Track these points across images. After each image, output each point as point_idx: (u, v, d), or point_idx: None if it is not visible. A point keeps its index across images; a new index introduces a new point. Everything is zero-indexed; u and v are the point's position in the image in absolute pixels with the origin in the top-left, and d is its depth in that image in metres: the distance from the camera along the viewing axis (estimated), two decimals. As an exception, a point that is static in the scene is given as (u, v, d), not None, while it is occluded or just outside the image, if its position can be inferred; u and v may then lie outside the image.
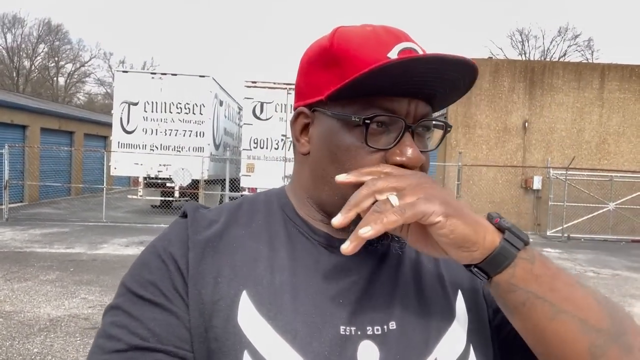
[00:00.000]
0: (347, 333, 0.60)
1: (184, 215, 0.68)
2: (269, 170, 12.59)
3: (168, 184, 13.16)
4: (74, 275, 6.54)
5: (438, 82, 0.60)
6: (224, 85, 15.18)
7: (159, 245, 0.65)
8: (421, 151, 0.62)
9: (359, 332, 0.60)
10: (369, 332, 0.61)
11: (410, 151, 0.60)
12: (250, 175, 12.74)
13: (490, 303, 0.70)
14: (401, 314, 0.63)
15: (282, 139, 12.80)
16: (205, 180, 13.08)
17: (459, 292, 0.68)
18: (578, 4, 56.98)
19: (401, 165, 0.60)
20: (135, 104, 13.04)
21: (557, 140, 13.48)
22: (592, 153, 13.46)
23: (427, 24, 64.90)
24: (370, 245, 0.61)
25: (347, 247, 0.53)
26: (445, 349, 0.62)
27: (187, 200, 13.90)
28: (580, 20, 68.63)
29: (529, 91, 13.51)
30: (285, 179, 12.73)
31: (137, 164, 13.00)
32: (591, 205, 12.57)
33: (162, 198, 13.67)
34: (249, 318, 0.59)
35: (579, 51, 34.98)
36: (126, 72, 13.93)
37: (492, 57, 21.19)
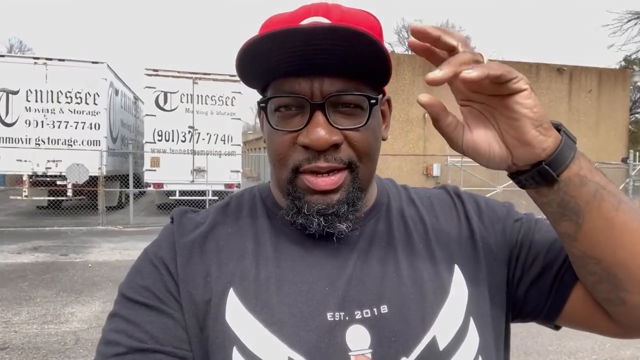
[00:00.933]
0: (336, 319, 0.60)
1: (173, 221, 0.70)
2: (176, 164, 11.96)
3: (58, 182, 11.76)
4: (-39, 290, 5.62)
5: (318, 53, 0.56)
6: (119, 73, 13.98)
7: (150, 251, 0.67)
8: (344, 128, 0.60)
9: (347, 318, 0.60)
10: (358, 317, 0.60)
11: (314, 132, 0.58)
12: (155, 170, 11.98)
13: (514, 251, 0.69)
14: (393, 295, 0.62)
15: (189, 131, 12.21)
16: (104, 177, 11.99)
17: (455, 267, 0.67)
18: (459, 3, 61.96)
19: (307, 148, 0.60)
20: (16, 93, 11.43)
21: (452, 130, 14.63)
22: (481, 141, 14.83)
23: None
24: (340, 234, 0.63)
25: (436, 74, 0.49)
26: (442, 325, 0.62)
27: (80, 200, 12.69)
28: (461, 18, 74.89)
29: (427, 85, 14.44)
30: (195, 173, 12.18)
31: (21, 160, 11.45)
32: (483, 188, 13.82)
33: (52, 198, 12.27)
34: (236, 314, 0.60)
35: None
36: (3, 56, 12.12)
37: (394, 51, 22.21)
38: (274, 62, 0.57)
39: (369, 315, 0.61)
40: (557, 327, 0.71)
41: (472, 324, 0.64)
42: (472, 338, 0.63)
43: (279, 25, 0.60)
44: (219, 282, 0.62)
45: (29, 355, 3.85)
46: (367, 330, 0.60)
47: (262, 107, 0.62)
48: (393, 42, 37.88)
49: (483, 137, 0.55)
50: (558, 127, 0.55)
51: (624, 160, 15.13)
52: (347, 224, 0.62)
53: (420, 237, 0.69)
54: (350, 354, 0.58)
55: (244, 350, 0.57)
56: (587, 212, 0.55)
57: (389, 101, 0.73)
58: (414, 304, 0.62)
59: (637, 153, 15.38)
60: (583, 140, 15.41)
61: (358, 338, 0.59)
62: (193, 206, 0.85)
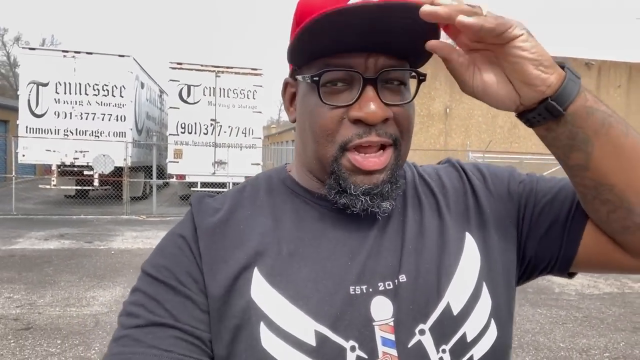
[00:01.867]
0: (358, 292, 0.61)
1: (192, 206, 0.71)
2: (198, 156, 12.17)
3: (85, 172, 12.16)
4: (-9, 273, 5.90)
5: (386, 31, 0.58)
6: (145, 67, 14.29)
7: (175, 232, 0.69)
8: (392, 104, 0.62)
9: (371, 289, 0.62)
10: (381, 288, 0.62)
11: (369, 105, 0.59)
12: (177, 162, 12.23)
13: (524, 211, 0.71)
14: (409, 266, 0.64)
15: (211, 124, 12.40)
16: (129, 167, 12.31)
17: (466, 234, 0.69)
18: None
19: (359, 121, 0.61)
20: (45, 85, 11.85)
21: (474, 126, 14.41)
22: (505, 137, 14.58)
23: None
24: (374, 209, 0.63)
25: (432, 8, 0.52)
26: (455, 291, 0.64)
27: (106, 189, 13.06)
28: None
29: (449, 78, 14.19)
30: (216, 165, 12.38)
31: (50, 150, 11.88)
32: (505, 185, 13.67)
33: (79, 187, 12.66)
34: (262, 291, 0.61)
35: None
36: (33, 49, 12.54)
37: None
38: (335, 37, 0.58)
39: (391, 286, 0.62)
40: (570, 275, 0.73)
41: (484, 289, 0.65)
42: (485, 302, 0.65)
43: (327, 6, 0.58)
44: (242, 262, 0.63)
45: (50, 335, 4.04)
46: (389, 301, 0.61)
47: (315, 82, 0.61)
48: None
49: (492, 79, 0.58)
50: (562, 65, 0.58)
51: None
52: (389, 201, 0.64)
53: (432, 210, 0.71)
54: (374, 324, 0.60)
55: (271, 324, 0.59)
56: (596, 139, 0.58)
57: None
58: (429, 274, 0.64)
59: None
60: (611, 137, 15.04)
61: (381, 309, 0.61)
62: None
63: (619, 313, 5.18)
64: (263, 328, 0.59)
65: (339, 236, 0.66)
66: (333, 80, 0.61)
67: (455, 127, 14.33)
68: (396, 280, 0.63)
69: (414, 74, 0.65)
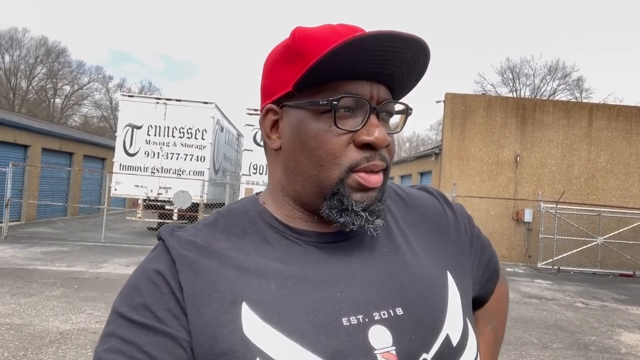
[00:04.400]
0: (355, 322, 0.61)
1: (160, 239, 0.69)
2: (267, 195, 12.82)
3: (167, 207, 13.37)
4: (78, 292, 6.66)
5: (395, 61, 0.62)
6: (226, 112, 15.56)
7: (147, 268, 0.65)
8: (389, 132, 0.66)
9: (367, 319, 0.62)
10: (377, 317, 0.62)
11: (377, 131, 0.63)
12: (248, 200, 12.95)
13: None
14: (405, 298, 0.65)
15: (281, 166, 13.08)
16: (205, 204, 13.28)
17: (447, 273, 0.72)
18: (569, 43, 58.68)
19: (366, 146, 0.63)
20: (139, 128, 13.39)
21: (547, 175, 13.89)
22: (581, 188, 13.87)
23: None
24: (365, 224, 0.65)
25: None
26: (451, 324, 0.66)
27: (184, 224, 14.03)
28: (571, 58, 70.65)
29: (520, 127, 14.01)
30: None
31: (138, 185, 13.26)
32: (580, 239, 12.87)
33: (160, 220, 13.82)
34: (255, 327, 0.59)
35: (568, 89, 36.07)
36: (131, 96, 14.28)
37: (485, 94, 21.84)
38: (357, 61, 0.60)
39: (387, 316, 0.63)
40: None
41: (468, 324, 0.69)
42: (472, 335, 0.69)
43: (329, 34, 0.64)
44: (229, 297, 0.61)
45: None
46: (387, 330, 0.62)
47: (333, 106, 0.62)
48: (496, 84, 36.83)
49: None
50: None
51: None
52: (380, 219, 0.66)
53: (415, 243, 0.73)
54: (375, 352, 0.60)
55: None
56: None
57: None
58: (425, 306, 0.66)
59: None
60: None
61: (380, 337, 0.61)
62: None
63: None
64: None
65: (323, 268, 0.65)
66: (345, 106, 0.63)
67: (526, 176, 13.91)
68: (391, 311, 0.63)
69: (403, 107, 0.69)
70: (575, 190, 13.79)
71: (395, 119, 0.71)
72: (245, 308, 0.60)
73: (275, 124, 0.69)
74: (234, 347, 0.58)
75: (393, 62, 0.62)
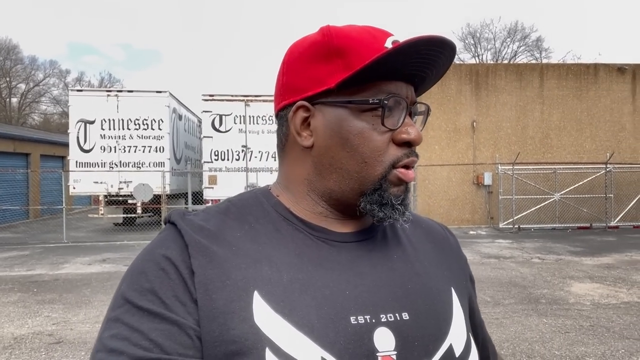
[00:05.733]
0: (362, 321, 0.62)
1: (171, 222, 0.67)
2: (231, 181, 12.78)
3: (130, 201, 13.14)
4: (37, 295, 6.56)
5: (429, 65, 0.65)
6: (187, 101, 15.28)
7: (156, 252, 0.63)
8: None
9: (374, 320, 0.62)
10: (383, 320, 0.63)
11: (414, 130, 0.67)
12: (213, 188, 12.89)
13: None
14: (411, 304, 0.66)
15: (242, 150, 13.02)
16: (167, 195, 13.12)
17: (452, 289, 0.74)
18: (527, 2, 59.34)
19: (407, 143, 0.67)
20: (92, 122, 13.01)
21: (503, 138, 14.23)
22: (536, 148, 14.28)
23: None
24: (381, 221, 0.68)
25: None
26: (455, 335, 0.68)
27: (150, 216, 13.92)
28: (529, 19, 71.49)
29: (475, 92, 14.24)
30: (248, 189, 12.89)
31: (97, 182, 12.96)
32: (538, 196, 13.34)
33: (124, 215, 13.61)
34: (265, 317, 0.59)
35: (529, 51, 36.42)
36: (81, 91, 13.83)
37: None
38: (402, 64, 0.63)
39: (392, 319, 0.63)
40: None
41: (471, 339, 0.71)
42: (474, 352, 0.70)
43: (366, 35, 0.66)
44: (241, 285, 0.60)
45: (77, 348, 4.53)
46: (391, 333, 0.62)
47: (384, 105, 0.64)
48: (459, 50, 36.94)
49: None
50: None
51: None
52: (408, 212, 0.69)
53: (424, 256, 0.75)
54: (378, 354, 0.60)
55: (277, 351, 0.57)
56: None
57: None
58: (430, 314, 0.67)
59: None
60: (653, 141, 14.37)
61: (384, 340, 0.61)
62: None
63: (629, 322, 5.09)
64: (269, 354, 0.57)
65: (334, 266, 0.66)
66: (386, 105, 0.65)
67: (484, 140, 14.22)
68: (397, 315, 0.64)
69: (424, 108, 0.73)
70: (531, 151, 14.19)
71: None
72: (257, 297, 0.60)
73: (305, 121, 0.68)
74: (244, 335, 0.58)
75: (428, 66, 0.65)
